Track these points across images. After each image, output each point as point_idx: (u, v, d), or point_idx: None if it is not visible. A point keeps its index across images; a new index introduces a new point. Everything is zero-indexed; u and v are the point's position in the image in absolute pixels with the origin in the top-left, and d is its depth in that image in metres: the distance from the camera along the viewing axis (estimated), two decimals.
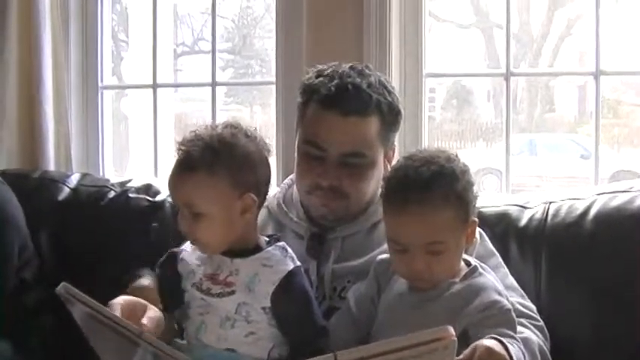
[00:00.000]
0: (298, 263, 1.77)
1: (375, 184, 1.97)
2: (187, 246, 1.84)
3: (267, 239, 1.82)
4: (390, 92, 2.00)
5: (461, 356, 1.48)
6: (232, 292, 1.71)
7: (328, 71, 1.99)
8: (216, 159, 1.72)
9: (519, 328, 1.72)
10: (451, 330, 1.38)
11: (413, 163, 1.71)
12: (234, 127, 1.80)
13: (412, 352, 1.36)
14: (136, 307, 1.71)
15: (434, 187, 1.67)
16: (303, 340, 1.72)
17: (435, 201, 1.66)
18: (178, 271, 1.81)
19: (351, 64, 2.02)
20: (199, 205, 1.72)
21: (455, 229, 1.69)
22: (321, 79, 1.98)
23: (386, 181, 1.76)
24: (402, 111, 2.04)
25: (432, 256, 1.67)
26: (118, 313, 1.63)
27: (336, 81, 1.95)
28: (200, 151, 1.73)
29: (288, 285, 1.72)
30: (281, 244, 1.79)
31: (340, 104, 1.93)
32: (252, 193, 1.76)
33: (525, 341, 1.72)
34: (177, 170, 1.76)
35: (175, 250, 1.86)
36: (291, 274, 1.73)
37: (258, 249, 1.78)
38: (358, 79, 1.95)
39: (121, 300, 1.70)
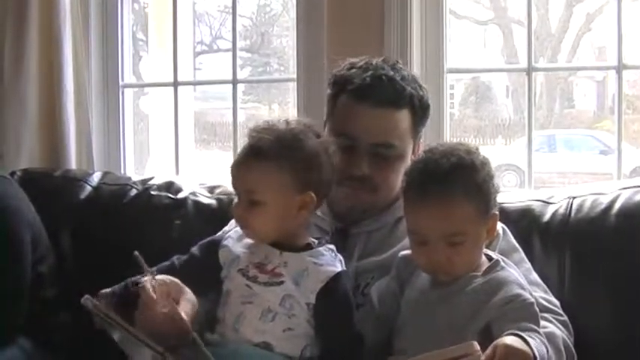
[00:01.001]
0: (345, 268, 1.79)
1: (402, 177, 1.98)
2: (232, 233, 1.86)
3: (316, 240, 1.83)
4: (421, 87, 2.02)
5: (482, 357, 1.48)
6: (281, 283, 1.72)
7: (361, 63, 2.00)
8: (285, 151, 1.75)
9: (543, 323, 1.72)
10: (476, 345, 1.45)
11: (433, 155, 1.72)
12: (307, 125, 1.83)
13: None
14: (170, 287, 1.72)
15: (453, 178, 1.67)
16: (337, 346, 1.72)
17: (454, 192, 1.67)
18: (219, 260, 1.82)
19: (383, 57, 2.04)
20: (260, 193, 1.74)
21: (475, 221, 1.69)
22: (354, 70, 1.99)
23: (406, 174, 1.78)
24: (431, 106, 2.05)
25: (452, 247, 1.67)
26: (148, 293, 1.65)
27: (370, 72, 1.96)
28: (271, 141, 1.76)
29: (334, 285, 1.73)
30: (331, 246, 1.81)
31: (374, 95, 1.94)
32: (312, 191, 1.78)
33: (550, 336, 1.72)
34: (245, 155, 1.78)
35: (217, 237, 1.89)
36: (339, 276, 1.75)
37: (309, 247, 1.80)
38: (391, 72, 1.97)
39: (159, 279, 1.71)
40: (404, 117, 1.97)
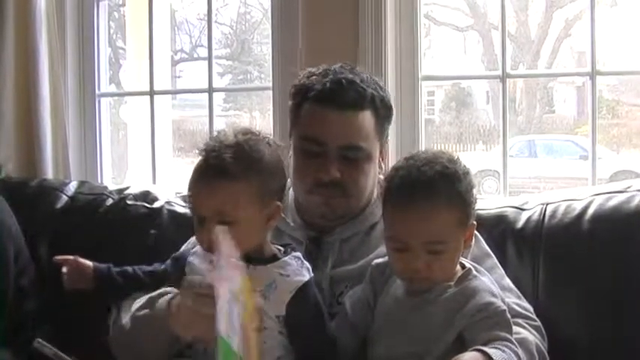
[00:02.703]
0: (312, 275, 1.78)
1: (372, 180, 1.99)
2: (198, 249, 1.83)
3: (281, 248, 1.81)
4: (382, 88, 2.04)
5: None
6: None
7: (319, 71, 2.01)
8: (249, 166, 1.72)
9: (516, 329, 1.73)
10: None
11: (415, 162, 1.73)
12: (254, 134, 1.79)
13: None
14: None
15: (438, 186, 1.68)
16: (313, 352, 1.72)
17: (439, 200, 1.68)
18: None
19: (340, 63, 2.04)
20: (230, 213, 1.70)
21: (456, 229, 1.70)
22: (314, 77, 2.00)
23: (388, 180, 1.77)
24: (393, 107, 2.07)
25: (432, 255, 1.68)
26: None
27: (330, 77, 1.97)
28: (233, 158, 1.71)
29: (303, 295, 1.72)
30: (297, 254, 1.79)
31: (336, 99, 1.95)
32: (277, 200, 1.77)
33: (522, 342, 1.73)
34: (208, 176, 1.72)
35: (183, 253, 1.87)
36: (306, 285, 1.73)
37: (275, 258, 1.77)
38: (350, 75, 1.98)
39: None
40: (367, 118, 1.97)
